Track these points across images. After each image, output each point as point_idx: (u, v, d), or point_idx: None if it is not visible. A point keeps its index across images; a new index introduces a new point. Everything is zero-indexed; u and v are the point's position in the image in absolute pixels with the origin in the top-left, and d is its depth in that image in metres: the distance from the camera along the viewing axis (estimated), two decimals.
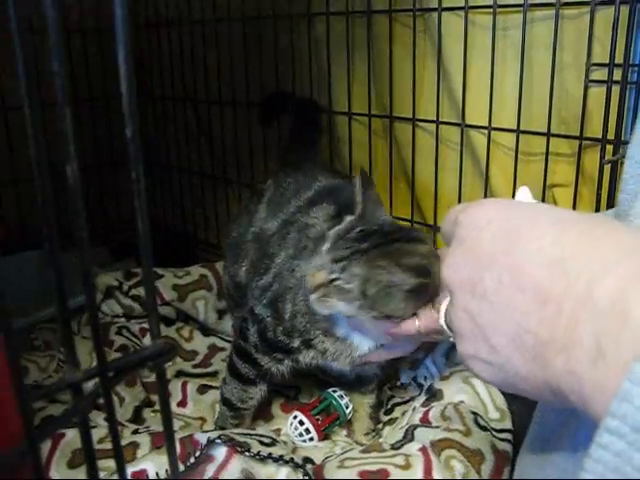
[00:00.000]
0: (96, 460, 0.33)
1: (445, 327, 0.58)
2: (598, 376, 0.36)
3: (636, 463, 0.32)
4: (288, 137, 1.44)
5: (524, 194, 0.66)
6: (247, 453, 0.81)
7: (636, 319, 0.34)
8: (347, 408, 1.10)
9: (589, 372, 0.36)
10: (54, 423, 0.34)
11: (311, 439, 1.05)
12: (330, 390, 1.13)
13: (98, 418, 1.02)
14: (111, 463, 0.83)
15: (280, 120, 1.51)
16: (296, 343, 1.01)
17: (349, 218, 0.92)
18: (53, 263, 0.32)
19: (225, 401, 1.10)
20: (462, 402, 0.96)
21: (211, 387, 1.20)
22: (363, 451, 0.89)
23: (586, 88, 1.07)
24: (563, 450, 0.52)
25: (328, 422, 1.08)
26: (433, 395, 1.02)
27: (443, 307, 0.59)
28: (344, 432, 1.12)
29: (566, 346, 0.38)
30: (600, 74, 1.05)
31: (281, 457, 0.81)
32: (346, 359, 0.98)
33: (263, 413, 1.15)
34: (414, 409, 1.04)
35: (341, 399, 1.11)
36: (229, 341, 1.35)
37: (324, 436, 1.08)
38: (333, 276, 0.86)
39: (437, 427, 0.90)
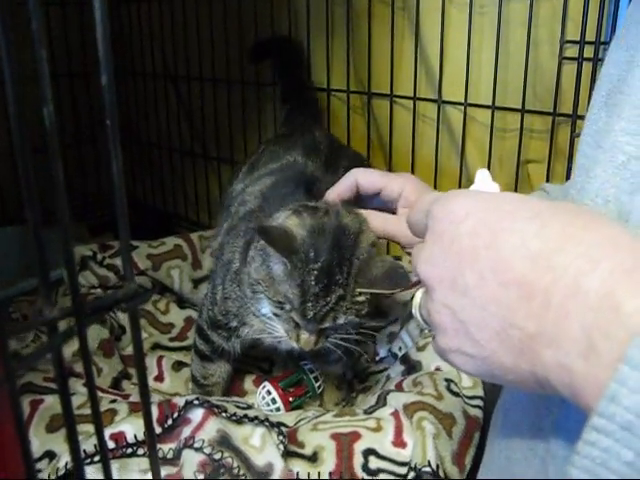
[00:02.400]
0: (68, 381, 0.34)
1: (420, 320, 0.56)
2: (590, 370, 0.36)
3: (624, 458, 0.33)
4: (285, 101, 1.45)
5: (483, 176, 0.65)
6: (223, 414, 0.82)
7: (627, 314, 0.35)
8: (317, 381, 1.10)
9: (580, 366, 0.37)
10: (30, 356, 0.35)
11: (278, 409, 1.05)
12: (301, 363, 1.13)
13: (77, 384, 1.03)
14: (89, 427, 0.84)
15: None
16: (234, 323, 1.01)
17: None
18: (31, 207, 0.33)
19: (192, 377, 1.12)
20: (439, 369, 0.98)
21: (186, 364, 1.20)
22: (336, 415, 0.91)
23: (560, 65, 1.09)
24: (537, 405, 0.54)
25: (296, 394, 1.08)
26: (413, 366, 1.03)
27: (417, 299, 0.57)
28: (317, 403, 1.13)
29: (555, 339, 0.38)
30: (574, 51, 1.07)
31: (256, 417, 0.83)
32: (269, 337, 0.98)
33: (236, 389, 1.16)
34: (388, 378, 1.06)
35: (311, 373, 1.11)
36: None
37: (291, 408, 1.07)
38: (326, 324, 0.88)
39: (409, 392, 0.92)
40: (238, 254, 1.00)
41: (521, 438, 0.55)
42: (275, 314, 0.91)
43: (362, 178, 0.94)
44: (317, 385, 1.10)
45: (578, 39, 1.05)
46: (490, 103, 1.19)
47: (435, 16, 1.22)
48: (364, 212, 0.94)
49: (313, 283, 0.84)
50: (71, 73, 1.87)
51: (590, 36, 1.03)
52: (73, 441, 0.37)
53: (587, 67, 1.05)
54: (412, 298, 0.60)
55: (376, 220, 0.93)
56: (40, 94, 0.32)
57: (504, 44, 1.16)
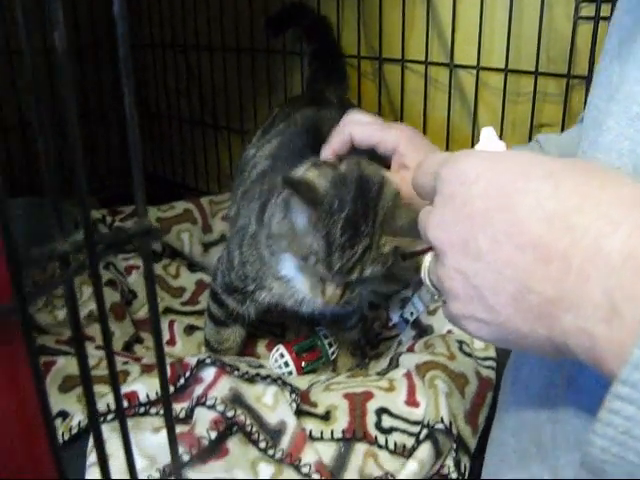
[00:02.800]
0: (79, 315, 0.33)
1: (430, 285, 0.54)
2: (614, 334, 0.35)
3: None
4: (311, 63, 1.41)
5: (489, 133, 0.63)
6: (236, 373, 0.82)
7: None
8: (330, 347, 1.10)
9: (603, 330, 0.35)
10: (43, 287, 0.34)
11: (290, 373, 1.05)
12: (317, 329, 1.13)
13: (89, 347, 1.03)
14: (101, 388, 0.84)
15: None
16: (251, 287, 1.01)
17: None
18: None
19: (206, 342, 1.12)
20: (450, 332, 0.97)
21: (198, 328, 1.21)
22: (348, 376, 0.91)
23: (575, 24, 1.07)
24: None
25: (309, 359, 1.08)
26: (424, 330, 1.03)
27: (426, 263, 0.55)
28: (330, 368, 1.13)
29: (575, 303, 0.37)
30: (590, 10, 1.06)
31: (268, 376, 0.83)
32: (289, 299, 0.99)
33: (248, 353, 1.15)
34: (400, 342, 1.06)
35: (325, 338, 1.11)
36: None
37: (304, 373, 1.08)
38: (353, 277, 0.87)
39: (421, 353, 0.91)
40: (254, 217, 0.99)
41: (532, 395, 0.55)
42: (299, 269, 0.90)
43: (357, 133, 0.90)
44: (331, 351, 1.10)
45: None
46: (503, 66, 1.17)
47: None
48: None
49: (339, 234, 0.83)
50: (80, 45, 1.86)
51: None
52: (87, 391, 0.36)
53: (603, 27, 1.03)
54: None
55: None
56: (49, 17, 0.32)
57: (517, 5, 1.14)
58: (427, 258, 0.54)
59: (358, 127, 0.91)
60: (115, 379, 0.40)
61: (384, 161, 0.93)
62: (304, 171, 0.88)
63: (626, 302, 0.34)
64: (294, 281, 0.94)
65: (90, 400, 0.37)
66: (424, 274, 0.55)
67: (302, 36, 1.45)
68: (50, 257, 0.37)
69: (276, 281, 0.97)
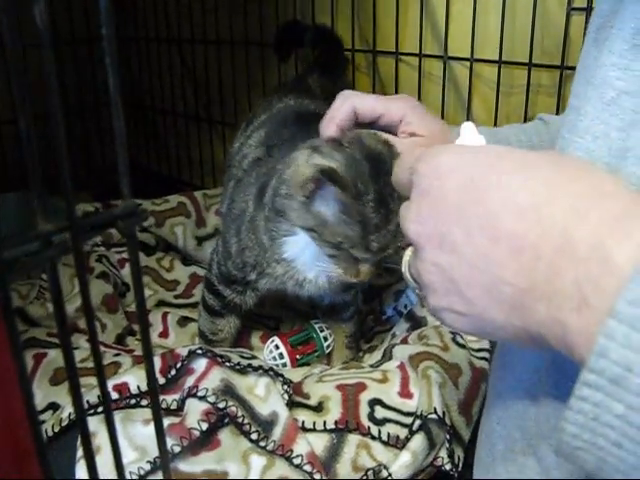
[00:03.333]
0: (62, 295, 0.33)
1: (410, 279, 0.54)
2: (583, 324, 0.36)
3: (615, 412, 0.34)
4: (315, 62, 1.39)
5: (469, 130, 0.63)
6: (227, 364, 0.82)
7: (619, 266, 0.34)
8: (325, 341, 1.09)
9: (573, 320, 0.36)
10: (24, 266, 0.34)
11: (284, 365, 1.05)
12: (312, 321, 1.13)
13: (80, 340, 1.02)
14: (92, 380, 0.84)
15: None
16: (252, 276, 1.00)
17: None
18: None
19: (200, 333, 1.11)
20: None
21: (192, 320, 1.20)
22: (342, 369, 0.91)
23: (568, 15, 1.07)
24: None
25: (304, 352, 1.08)
26: (418, 322, 1.02)
27: (406, 257, 0.55)
28: (324, 361, 1.13)
29: (547, 294, 0.38)
30: (582, 1, 1.05)
31: (260, 367, 0.82)
32: (290, 281, 0.97)
33: (243, 344, 1.15)
34: (393, 335, 1.06)
35: (320, 331, 1.10)
36: None
37: (298, 365, 1.07)
38: (389, 252, 0.85)
39: (415, 344, 0.91)
40: (252, 201, 0.97)
41: (518, 380, 0.56)
42: (331, 256, 0.87)
43: (360, 105, 0.86)
44: (326, 345, 1.09)
45: None
46: (497, 58, 1.17)
47: None
48: None
49: (372, 215, 0.81)
50: (74, 39, 1.86)
51: None
52: (72, 381, 0.36)
53: None
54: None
55: None
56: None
57: None
58: (407, 252, 0.54)
59: (360, 99, 0.87)
60: (101, 370, 0.39)
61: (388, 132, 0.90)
62: (305, 158, 0.84)
63: (593, 292, 0.35)
64: (296, 262, 0.94)
65: (76, 392, 0.37)
66: (404, 268, 0.55)
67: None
68: (32, 238, 0.37)
69: (278, 265, 0.96)
